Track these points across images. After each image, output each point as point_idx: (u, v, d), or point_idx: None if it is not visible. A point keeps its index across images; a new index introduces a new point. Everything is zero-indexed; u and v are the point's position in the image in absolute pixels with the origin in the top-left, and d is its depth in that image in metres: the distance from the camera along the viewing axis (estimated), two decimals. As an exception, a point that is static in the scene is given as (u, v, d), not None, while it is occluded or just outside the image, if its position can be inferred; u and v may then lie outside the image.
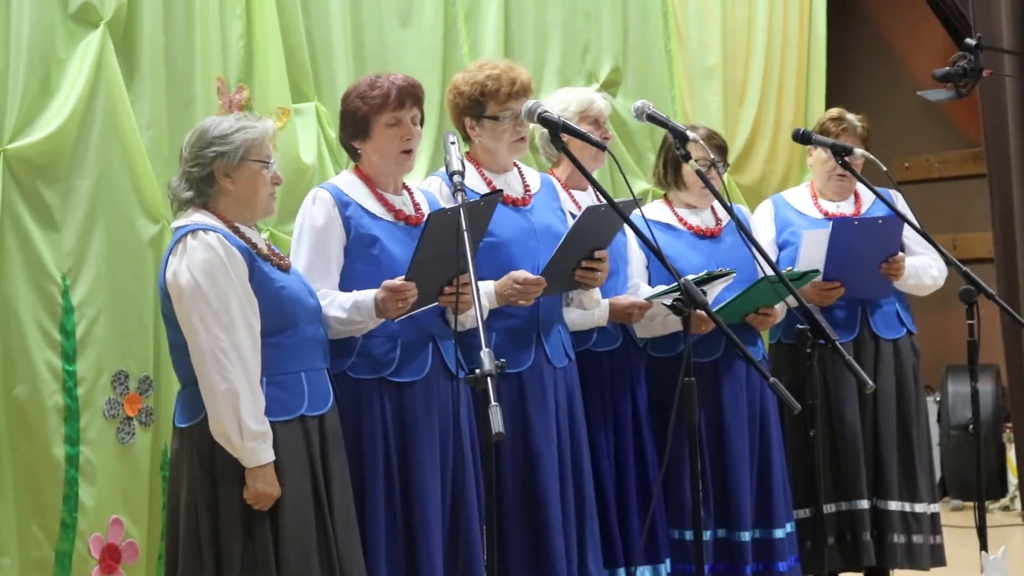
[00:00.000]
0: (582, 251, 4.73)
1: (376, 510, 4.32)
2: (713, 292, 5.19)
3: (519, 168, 5.00)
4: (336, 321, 4.31)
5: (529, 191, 4.93)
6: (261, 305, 4.06)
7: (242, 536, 3.99)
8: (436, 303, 4.38)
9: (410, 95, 4.50)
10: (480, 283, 4.38)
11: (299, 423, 4.10)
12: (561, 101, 5.23)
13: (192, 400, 4.04)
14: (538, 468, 4.69)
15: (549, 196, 5.01)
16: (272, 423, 4.02)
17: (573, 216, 5.05)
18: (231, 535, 3.99)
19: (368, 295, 4.29)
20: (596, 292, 4.94)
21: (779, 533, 5.40)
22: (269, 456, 3.99)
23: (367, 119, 4.48)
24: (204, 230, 4.03)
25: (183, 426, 4.08)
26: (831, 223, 5.65)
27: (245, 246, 4.09)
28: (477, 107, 4.82)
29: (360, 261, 4.43)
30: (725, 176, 5.65)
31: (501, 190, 4.61)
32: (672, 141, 5.36)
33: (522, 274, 4.62)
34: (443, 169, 4.56)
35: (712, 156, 5.15)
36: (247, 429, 3.95)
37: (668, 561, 5.19)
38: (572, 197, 5.20)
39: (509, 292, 4.62)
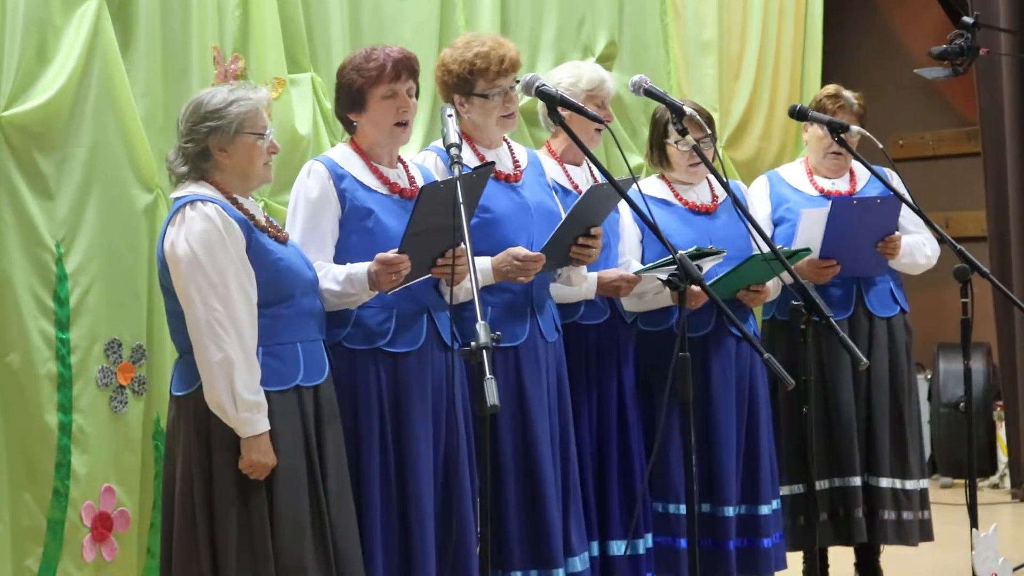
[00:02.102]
0: (579, 228, 4.73)
1: (371, 480, 4.33)
2: (703, 269, 5.19)
3: (508, 144, 4.99)
4: (330, 294, 4.31)
5: (519, 167, 4.93)
6: (258, 276, 4.06)
7: (237, 505, 4.01)
8: (430, 275, 4.38)
9: (406, 67, 4.49)
10: (476, 259, 4.39)
11: (294, 393, 4.12)
12: (571, 75, 5.19)
13: (188, 369, 4.05)
14: (535, 442, 4.70)
15: (536, 172, 5.01)
16: (267, 393, 4.04)
17: (556, 190, 5.04)
18: (226, 504, 4.00)
19: (361, 268, 4.29)
20: (584, 268, 4.95)
21: (765, 510, 5.40)
22: (264, 426, 4.00)
23: (362, 91, 4.47)
24: (203, 201, 4.04)
25: (179, 394, 4.09)
26: (830, 202, 5.65)
27: (243, 217, 4.09)
28: (466, 85, 4.80)
29: (355, 234, 4.43)
30: (720, 151, 5.64)
31: (493, 162, 4.61)
32: (659, 119, 5.41)
33: (521, 251, 4.61)
34: (437, 143, 4.56)
35: (707, 131, 5.16)
36: (241, 399, 3.96)
37: (649, 536, 5.20)
38: (566, 172, 5.19)
39: (507, 268, 4.61)
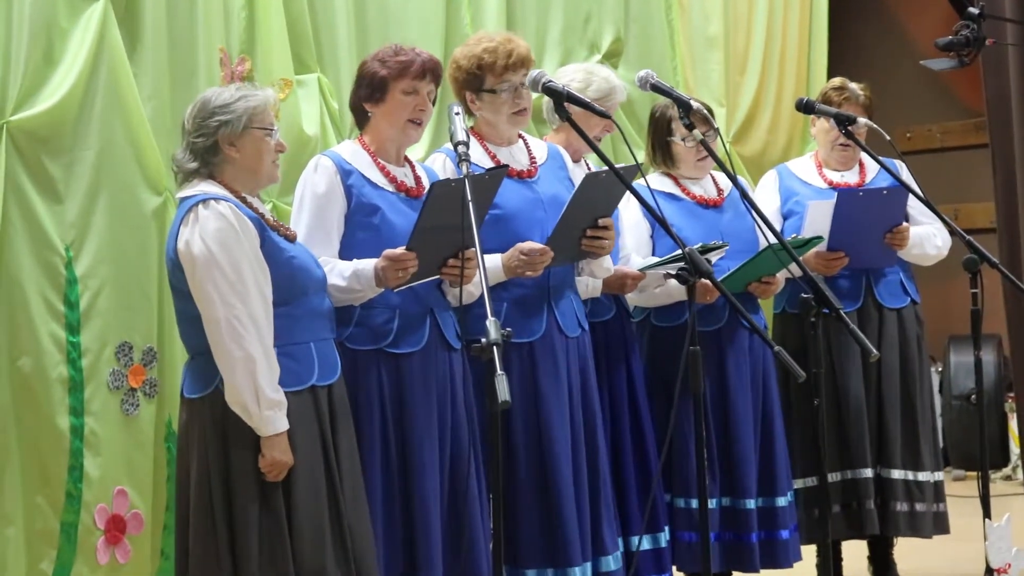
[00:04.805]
0: (586, 220, 4.71)
1: (373, 480, 4.31)
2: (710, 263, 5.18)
3: (524, 140, 4.98)
4: (335, 289, 4.30)
5: (535, 162, 4.91)
6: (272, 274, 4.04)
7: (257, 506, 3.98)
8: (438, 275, 4.38)
9: (431, 70, 4.51)
10: (486, 256, 4.39)
11: (309, 393, 4.10)
12: (582, 79, 5.17)
13: (202, 370, 4.03)
14: (550, 439, 4.68)
15: (556, 165, 4.99)
16: (284, 393, 4.01)
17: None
18: (246, 504, 3.98)
19: (368, 264, 4.29)
20: (607, 260, 4.94)
21: (782, 501, 5.42)
22: (284, 424, 3.98)
23: (385, 82, 4.47)
24: (215, 199, 4.02)
25: (193, 397, 4.07)
26: (836, 193, 5.65)
27: (255, 216, 4.08)
28: (476, 81, 4.80)
29: (361, 230, 4.43)
30: (728, 146, 5.65)
31: (507, 165, 4.60)
32: (659, 117, 5.42)
33: (527, 244, 4.60)
34: (446, 145, 4.55)
35: (713, 125, 5.16)
36: (264, 397, 3.94)
37: (667, 529, 5.20)
38: (566, 168, 5.20)
39: (516, 264, 4.60)
